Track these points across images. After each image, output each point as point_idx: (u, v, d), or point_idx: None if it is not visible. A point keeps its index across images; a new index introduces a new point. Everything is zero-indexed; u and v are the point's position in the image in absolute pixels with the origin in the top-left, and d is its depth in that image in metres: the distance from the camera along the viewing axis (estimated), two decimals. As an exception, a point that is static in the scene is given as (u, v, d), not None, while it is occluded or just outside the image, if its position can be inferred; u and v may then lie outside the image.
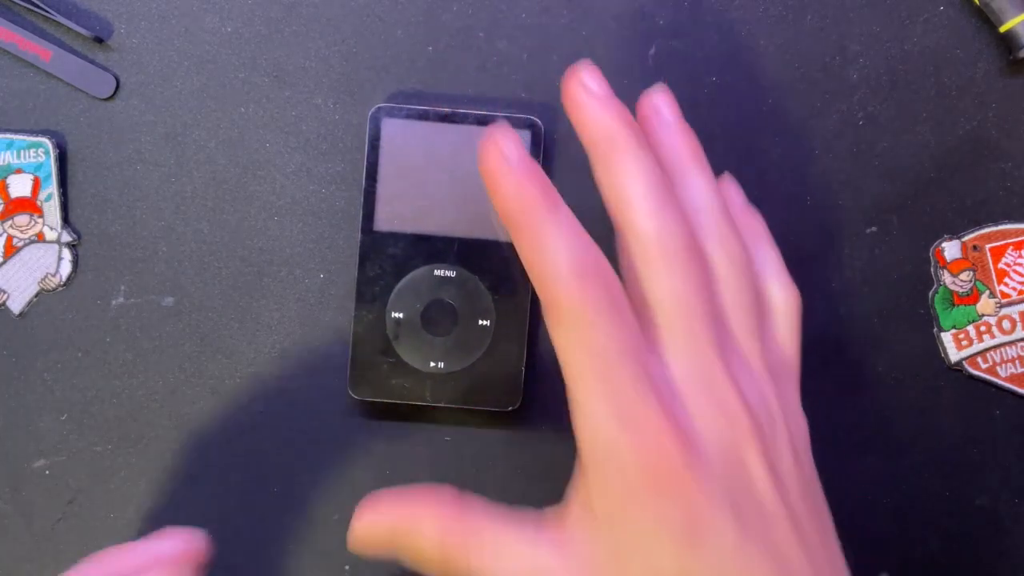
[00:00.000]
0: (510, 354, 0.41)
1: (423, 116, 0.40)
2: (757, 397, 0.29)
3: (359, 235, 0.41)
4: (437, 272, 0.40)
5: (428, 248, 0.40)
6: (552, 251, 0.27)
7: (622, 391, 0.26)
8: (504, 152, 0.28)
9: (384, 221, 0.40)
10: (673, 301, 0.28)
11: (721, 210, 0.31)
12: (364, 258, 0.40)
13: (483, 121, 0.40)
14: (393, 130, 0.40)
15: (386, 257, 0.40)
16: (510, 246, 0.39)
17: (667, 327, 0.28)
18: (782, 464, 0.29)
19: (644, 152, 0.30)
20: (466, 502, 0.29)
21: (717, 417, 0.27)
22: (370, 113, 0.40)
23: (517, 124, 0.40)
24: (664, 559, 0.26)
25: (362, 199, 0.41)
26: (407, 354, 0.41)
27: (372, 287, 0.40)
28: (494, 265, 0.41)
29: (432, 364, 0.40)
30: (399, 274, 0.40)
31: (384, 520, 0.29)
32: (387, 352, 0.40)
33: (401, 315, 0.40)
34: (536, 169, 0.28)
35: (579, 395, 0.27)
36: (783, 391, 0.31)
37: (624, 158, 0.29)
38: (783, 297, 0.33)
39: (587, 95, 0.30)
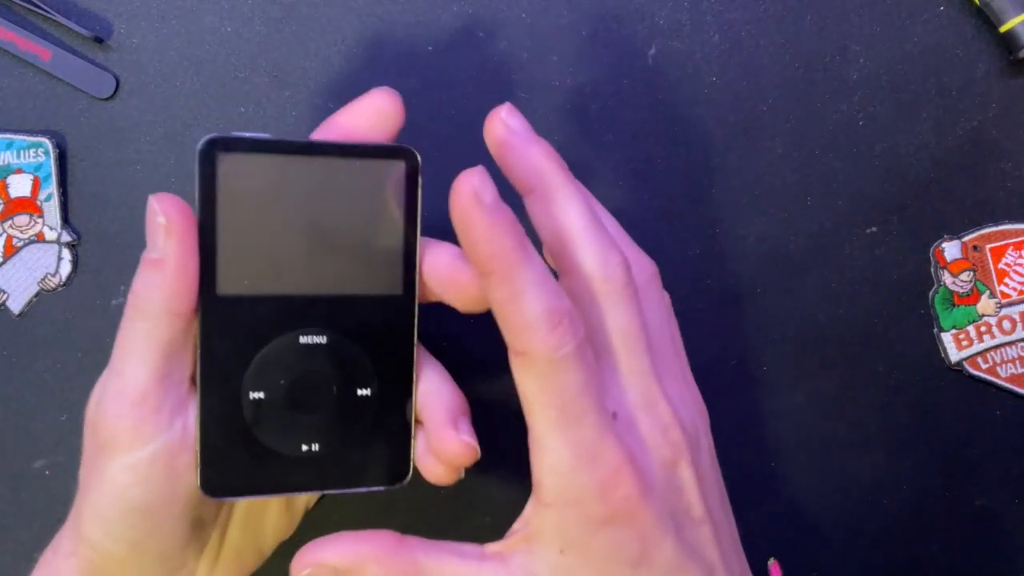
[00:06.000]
0: (397, 424, 0.34)
1: (270, 149, 0.31)
2: (686, 411, 0.31)
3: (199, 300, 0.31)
4: (303, 339, 0.33)
5: (290, 310, 0.32)
6: (527, 299, 0.27)
7: (584, 431, 0.27)
8: (480, 194, 0.27)
9: (230, 283, 0.31)
10: (621, 335, 0.29)
11: (616, 225, 0.33)
12: (208, 330, 0.31)
13: (346, 152, 0.32)
14: (233, 168, 0.31)
15: (237, 326, 0.32)
16: (388, 300, 0.33)
17: (616, 360, 0.29)
18: (705, 472, 0.31)
19: (576, 188, 0.30)
20: (407, 541, 0.30)
21: (660, 439, 0.29)
22: (198, 148, 0.30)
23: None
24: None
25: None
26: (272, 440, 0.33)
27: (221, 365, 0.32)
28: (372, 325, 0.33)
29: (305, 448, 0.33)
30: (256, 346, 0.32)
31: (327, 563, 0.30)
32: (246, 441, 0.32)
33: (261, 395, 0.32)
34: (510, 214, 0.28)
35: (543, 435, 0.28)
36: (698, 395, 0.33)
37: (560, 197, 0.30)
38: (648, 272, 0.33)
39: (512, 135, 0.30)
